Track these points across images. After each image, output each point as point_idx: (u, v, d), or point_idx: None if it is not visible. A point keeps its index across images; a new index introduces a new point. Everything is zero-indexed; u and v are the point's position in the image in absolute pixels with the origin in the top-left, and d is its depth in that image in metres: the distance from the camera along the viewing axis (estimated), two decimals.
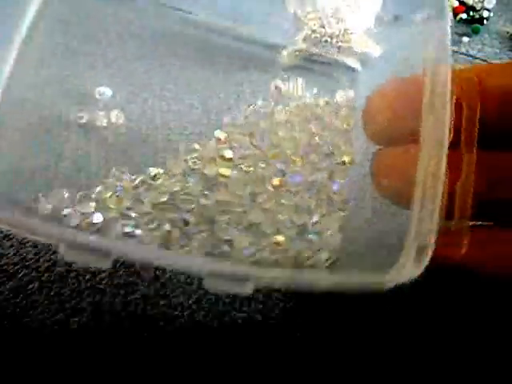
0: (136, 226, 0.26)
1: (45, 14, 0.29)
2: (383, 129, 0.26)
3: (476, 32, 0.39)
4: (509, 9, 0.40)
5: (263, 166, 0.27)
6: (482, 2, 0.39)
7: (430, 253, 0.21)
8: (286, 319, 0.27)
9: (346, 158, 0.28)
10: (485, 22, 0.39)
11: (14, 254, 0.27)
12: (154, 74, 0.31)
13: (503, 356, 0.27)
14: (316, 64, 0.33)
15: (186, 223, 0.26)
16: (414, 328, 0.28)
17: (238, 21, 0.31)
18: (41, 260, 0.28)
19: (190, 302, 0.27)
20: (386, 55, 0.32)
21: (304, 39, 0.33)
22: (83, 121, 0.30)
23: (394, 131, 0.25)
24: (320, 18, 0.32)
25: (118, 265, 0.28)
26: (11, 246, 0.28)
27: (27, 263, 0.27)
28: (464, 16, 0.39)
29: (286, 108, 0.29)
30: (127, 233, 0.26)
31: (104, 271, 0.28)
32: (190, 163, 0.27)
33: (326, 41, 0.32)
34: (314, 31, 0.32)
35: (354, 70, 0.33)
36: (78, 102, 0.30)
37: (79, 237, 0.19)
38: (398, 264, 0.21)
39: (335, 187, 0.28)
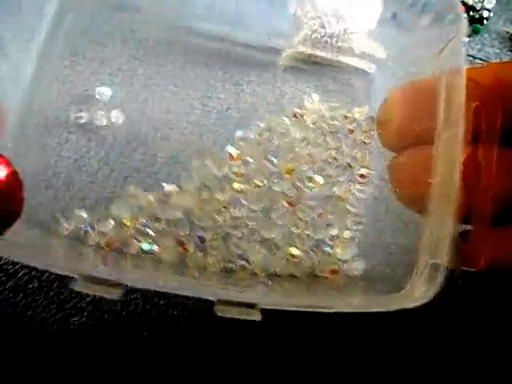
0: (152, 243, 0.26)
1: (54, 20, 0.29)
2: (396, 134, 0.26)
3: (476, 32, 0.38)
4: (509, 9, 0.39)
5: (278, 181, 0.27)
6: (482, 2, 0.38)
7: (444, 271, 0.20)
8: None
9: (364, 171, 0.28)
10: (485, 21, 0.38)
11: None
12: (154, 75, 0.31)
13: None
14: (316, 65, 0.33)
15: (202, 239, 0.27)
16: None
17: (239, 21, 0.30)
18: None
19: (190, 301, 0.28)
20: (391, 57, 0.31)
21: (304, 39, 0.32)
22: (83, 121, 0.30)
23: (407, 136, 0.25)
24: (320, 18, 0.31)
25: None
26: None
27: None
28: (464, 16, 0.38)
29: (303, 124, 0.28)
30: (144, 250, 0.26)
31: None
32: (203, 179, 0.27)
33: (327, 41, 0.32)
34: (314, 31, 0.32)
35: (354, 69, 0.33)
36: (78, 102, 0.30)
37: (92, 270, 0.19)
38: (410, 285, 0.21)
39: (353, 201, 0.28)
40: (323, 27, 0.31)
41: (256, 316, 0.19)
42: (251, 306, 0.20)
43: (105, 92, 0.30)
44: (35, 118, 0.29)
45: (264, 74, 0.32)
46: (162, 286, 0.20)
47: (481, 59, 0.37)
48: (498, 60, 0.37)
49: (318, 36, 0.32)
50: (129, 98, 0.31)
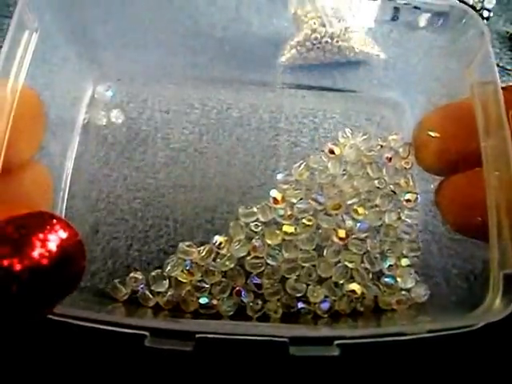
0: (210, 297, 0.26)
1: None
2: (436, 157, 0.26)
3: None
4: (509, 9, 0.40)
5: (325, 218, 0.27)
6: (482, 2, 0.39)
7: None
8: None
9: (410, 196, 0.28)
10: (485, 21, 0.39)
11: None
12: (154, 75, 0.31)
13: None
14: (316, 65, 0.33)
15: (258, 286, 0.26)
16: None
17: (239, 21, 0.30)
18: None
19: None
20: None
21: (304, 39, 0.32)
22: (83, 121, 0.30)
23: (447, 158, 0.25)
24: (320, 18, 0.31)
25: (116, 265, 0.28)
26: None
27: None
28: None
29: (340, 159, 0.28)
30: (203, 305, 0.26)
31: (104, 271, 0.27)
32: (252, 227, 0.27)
33: (327, 41, 0.32)
34: (314, 30, 0.32)
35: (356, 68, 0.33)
36: (78, 102, 0.31)
37: (163, 324, 0.19)
38: (488, 299, 0.20)
39: (404, 227, 0.27)
40: (323, 27, 0.32)
41: (334, 351, 0.19)
42: (328, 341, 0.19)
43: (105, 92, 0.31)
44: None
45: (264, 74, 0.32)
46: (232, 331, 0.19)
47: None
48: (497, 60, 0.37)
49: (318, 36, 0.32)
50: (129, 98, 0.31)
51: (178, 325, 0.20)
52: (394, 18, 0.31)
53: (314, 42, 0.32)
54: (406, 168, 0.28)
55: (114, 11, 0.29)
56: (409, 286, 0.27)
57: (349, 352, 0.19)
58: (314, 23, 0.32)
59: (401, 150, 0.28)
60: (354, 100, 0.34)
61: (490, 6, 0.39)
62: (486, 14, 0.39)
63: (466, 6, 0.24)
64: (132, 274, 0.26)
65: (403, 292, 0.26)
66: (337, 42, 0.32)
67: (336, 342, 0.19)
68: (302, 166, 0.28)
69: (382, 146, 0.29)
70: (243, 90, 0.32)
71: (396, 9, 0.29)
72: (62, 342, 0.24)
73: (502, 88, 0.22)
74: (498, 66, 0.37)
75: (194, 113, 0.32)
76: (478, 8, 0.39)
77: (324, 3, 0.30)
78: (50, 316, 0.18)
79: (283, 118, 0.32)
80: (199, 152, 0.31)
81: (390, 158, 0.28)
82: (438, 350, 0.25)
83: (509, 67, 0.38)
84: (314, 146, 0.31)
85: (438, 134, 0.25)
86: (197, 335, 0.19)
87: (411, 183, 0.28)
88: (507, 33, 0.39)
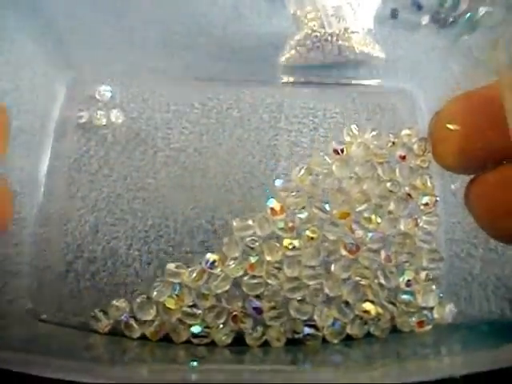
0: (204, 324, 0.23)
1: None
2: (458, 152, 0.22)
3: None
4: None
5: (332, 228, 0.24)
6: None
7: None
8: None
9: (428, 199, 0.24)
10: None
11: (16, 254, 0.26)
12: (154, 75, 0.31)
13: None
14: (316, 65, 0.32)
15: (258, 311, 0.23)
16: None
17: (239, 21, 0.30)
18: (41, 260, 0.27)
19: None
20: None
21: (305, 38, 0.31)
22: (83, 121, 0.30)
23: (472, 153, 0.21)
24: (320, 18, 0.31)
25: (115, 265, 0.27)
26: (14, 245, 0.26)
27: (27, 263, 0.27)
28: None
29: (347, 160, 0.25)
30: (195, 334, 0.23)
31: (104, 271, 0.27)
32: (248, 242, 0.24)
33: (327, 39, 0.31)
34: (314, 31, 0.31)
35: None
36: (78, 102, 0.31)
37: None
38: None
39: (423, 235, 0.24)
40: (323, 27, 0.31)
41: None
42: None
43: (105, 92, 0.31)
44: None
45: (264, 74, 0.32)
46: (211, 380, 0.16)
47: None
48: None
49: (318, 35, 0.31)
50: (129, 98, 0.31)
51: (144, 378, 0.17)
52: (395, 16, 0.31)
53: (314, 41, 0.32)
54: (422, 167, 0.25)
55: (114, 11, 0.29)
56: (431, 304, 0.23)
57: None
58: (314, 24, 0.31)
59: (415, 146, 0.25)
60: (355, 97, 0.32)
61: None
62: None
63: None
64: (114, 302, 0.23)
65: (424, 311, 0.23)
66: (337, 40, 0.31)
67: None
68: (303, 169, 0.25)
69: (393, 143, 0.25)
70: (243, 90, 0.32)
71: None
72: None
73: None
74: None
75: (194, 113, 0.31)
76: None
77: (324, 3, 0.30)
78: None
79: (283, 118, 0.32)
80: (199, 152, 0.30)
81: (404, 157, 0.25)
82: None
83: None
84: (314, 145, 0.30)
85: (458, 127, 0.22)
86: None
87: (429, 184, 0.25)
88: None
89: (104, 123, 0.31)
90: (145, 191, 0.29)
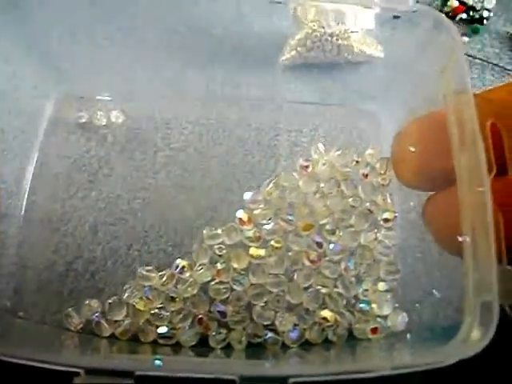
0: (170, 325, 0.24)
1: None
2: (417, 172, 0.24)
3: (476, 32, 0.38)
4: (509, 9, 0.39)
5: (296, 239, 0.25)
6: (482, 2, 0.38)
7: (497, 309, 0.18)
8: None
9: (388, 215, 0.26)
10: (485, 21, 0.38)
11: (15, 254, 0.27)
12: (154, 75, 0.31)
13: None
14: (316, 65, 0.33)
15: (223, 314, 0.24)
16: None
17: (239, 21, 0.30)
18: (41, 260, 0.27)
19: None
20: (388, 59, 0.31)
21: (305, 38, 0.32)
22: (83, 121, 0.30)
23: (429, 172, 0.23)
24: (320, 18, 0.31)
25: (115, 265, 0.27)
26: (12, 245, 0.27)
27: (27, 263, 0.27)
28: (464, 16, 0.38)
29: (313, 177, 0.27)
30: (162, 334, 0.24)
31: (104, 270, 0.27)
32: (216, 250, 0.25)
33: (327, 39, 0.32)
34: (314, 30, 0.32)
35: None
36: (78, 102, 0.31)
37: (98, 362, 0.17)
38: (462, 331, 0.18)
39: (382, 248, 0.25)
40: (323, 27, 0.31)
41: None
42: (282, 380, 0.17)
43: (105, 92, 0.31)
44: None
45: (264, 74, 0.32)
46: (175, 369, 0.17)
47: (481, 59, 0.37)
48: (498, 60, 0.37)
49: (318, 34, 0.31)
50: (129, 98, 0.31)
51: (115, 363, 0.18)
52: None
53: (314, 41, 0.32)
54: (383, 185, 0.26)
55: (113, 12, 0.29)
56: (385, 312, 0.24)
57: None
58: (314, 25, 0.32)
59: (377, 165, 0.27)
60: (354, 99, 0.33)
61: (489, 6, 0.38)
62: (485, 13, 0.38)
63: (438, 12, 0.23)
64: (87, 302, 0.25)
65: (379, 319, 0.24)
66: (337, 40, 0.32)
67: (291, 380, 0.17)
68: (271, 184, 0.26)
69: (357, 162, 0.27)
70: (243, 90, 0.32)
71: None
72: None
73: (475, 95, 0.20)
74: (497, 66, 0.36)
75: (194, 113, 0.32)
76: (478, 8, 0.38)
77: (324, 6, 0.30)
78: None
79: (283, 118, 0.32)
80: (199, 152, 0.31)
81: (367, 175, 0.27)
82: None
83: (509, 67, 0.36)
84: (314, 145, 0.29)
85: (416, 148, 0.23)
86: (136, 373, 0.17)
87: (389, 201, 0.26)
88: (507, 33, 0.38)
89: (104, 123, 0.31)
90: (145, 191, 0.29)
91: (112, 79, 0.31)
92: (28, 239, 0.28)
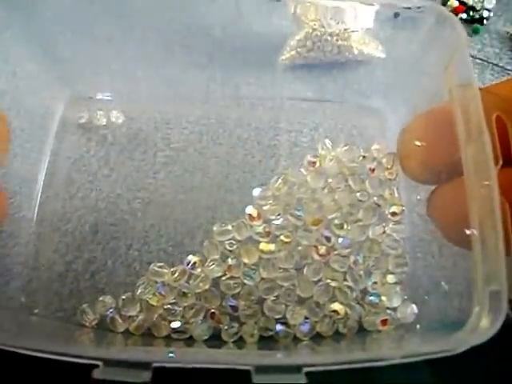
0: (183, 320, 0.25)
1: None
2: (423, 166, 0.24)
3: (476, 32, 0.38)
4: (509, 9, 0.39)
5: (305, 234, 0.25)
6: (482, 2, 0.38)
7: (505, 297, 0.18)
8: None
9: (395, 209, 0.26)
10: (485, 21, 0.39)
11: (17, 254, 0.27)
12: (154, 75, 0.31)
13: None
14: (316, 65, 0.33)
15: (234, 309, 0.25)
16: None
17: (239, 21, 0.30)
18: (41, 260, 0.27)
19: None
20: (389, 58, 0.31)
21: (305, 38, 0.32)
22: (83, 121, 0.31)
23: (435, 166, 0.23)
24: (320, 18, 0.31)
25: (114, 265, 0.27)
26: (13, 246, 0.27)
27: (27, 263, 0.27)
28: (464, 16, 0.39)
29: (321, 172, 0.27)
30: (175, 329, 0.25)
31: (104, 270, 0.27)
32: (227, 246, 0.25)
33: (327, 39, 0.32)
34: (314, 30, 0.32)
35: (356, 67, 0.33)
36: (78, 102, 0.31)
37: (116, 354, 0.18)
38: (471, 319, 0.18)
39: (390, 242, 0.26)
40: (323, 26, 0.31)
41: (301, 379, 0.17)
42: (296, 369, 0.17)
43: (105, 92, 0.31)
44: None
45: (264, 74, 0.32)
46: (191, 360, 0.18)
47: (481, 59, 0.37)
48: (498, 60, 0.37)
49: (319, 34, 0.32)
50: (129, 98, 0.31)
51: (132, 354, 0.18)
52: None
53: (314, 41, 0.32)
54: (390, 179, 0.27)
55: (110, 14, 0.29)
56: (394, 304, 0.25)
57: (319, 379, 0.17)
58: (314, 24, 0.32)
59: (384, 160, 0.27)
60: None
61: (489, 6, 0.38)
62: (485, 14, 0.38)
63: (442, 7, 0.23)
64: (101, 298, 0.25)
65: (388, 311, 0.25)
66: (336, 40, 0.32)
67: (305, 369, 0.18)
68: (280, 180, 0.27)
69: (364, 157, 0.27)
70: (243, 90, 0.32)
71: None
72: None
73: (480, 89, 0.21)
74: (497, 66, 0.37)
75: (194, 113, 0.32)
76: (478, 8, 0.38)
77: (324, 3, 0.29)
78: None
79: (283, 118, 0.32)
80: (199, 152, 0.31)
81: (373, 169, 0.27)
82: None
83: (509, 67, 0.37)
84: (314, 145, 0.30)
85: (422, 142, 0.24)
86: (154, 364, 0.18)
87: (396, 195, 0.27)
88: (507, 33, 0.38)
89: (104, 123, 0.31)
90: (145, 191, 0.29)
91: (112, 79, 0.31)
92: (39, 240, 0.28)
